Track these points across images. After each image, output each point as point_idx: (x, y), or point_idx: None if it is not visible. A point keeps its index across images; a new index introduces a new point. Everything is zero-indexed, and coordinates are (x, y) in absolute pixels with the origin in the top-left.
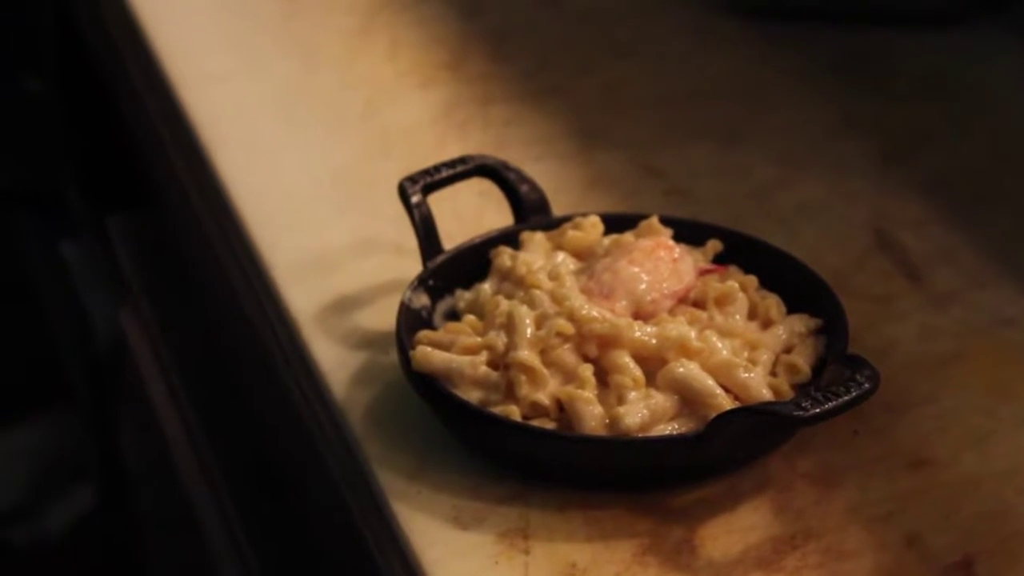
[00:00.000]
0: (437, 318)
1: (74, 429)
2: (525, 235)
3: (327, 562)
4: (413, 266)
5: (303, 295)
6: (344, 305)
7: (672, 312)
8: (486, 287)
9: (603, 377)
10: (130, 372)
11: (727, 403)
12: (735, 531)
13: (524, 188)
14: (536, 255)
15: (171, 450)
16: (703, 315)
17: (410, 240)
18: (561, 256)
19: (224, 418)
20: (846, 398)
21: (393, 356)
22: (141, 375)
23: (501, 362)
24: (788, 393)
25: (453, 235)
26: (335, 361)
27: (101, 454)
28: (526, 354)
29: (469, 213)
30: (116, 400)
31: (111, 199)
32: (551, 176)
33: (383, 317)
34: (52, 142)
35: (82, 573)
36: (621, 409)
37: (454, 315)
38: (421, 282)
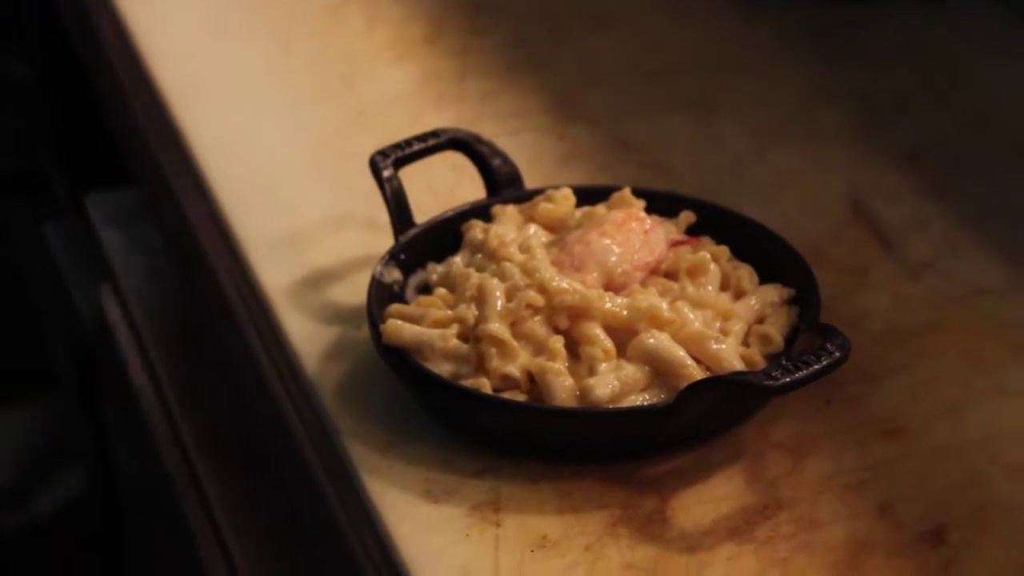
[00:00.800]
0: (409, 292)
1: (63, 412)
2: (497, 208)
3: (302, 536)
4: (386, 241)
5: (276, 271)
6: (317, 280)
7: (644, 283)
8: (457, 260)
9: (574, 349)
10: (111, 352)
11: (698, 373)
12: (707, 501)
13: (496, 161)
14: (508, 228)
15: (150, 428)
16: (675, 286)
17: (384, 215)
18: (533, 228)
19: (201, 395)
20: (817, 367)
21: (365, 331)
22: (121, 355)
23: (472, 335)
24: (760, 363)
25: (427, 209)
26: (307, 336)
27: (90, 436)
28: (496, 326)
29: (443, 187)
30: (102, 381)
31: (91, 179)
32: (526, 149)
33: (356, 292)
34: (36, 125)
35: (72, 556)
36: (591, 380)
37: (427, 289)
38: (392, 256)
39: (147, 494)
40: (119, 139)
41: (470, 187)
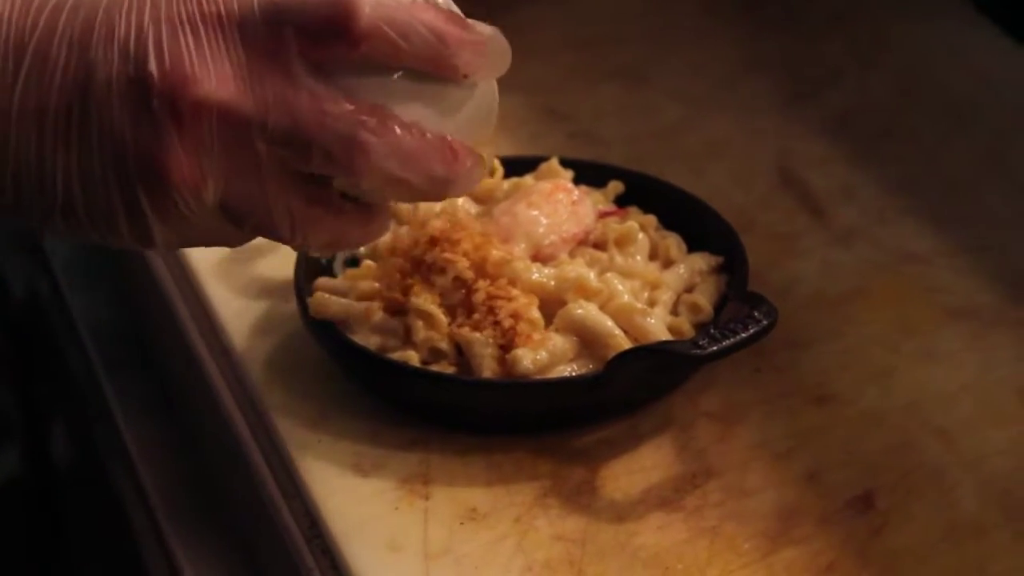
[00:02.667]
0: (338, 266)
1: None
2: None
3: (231, 510)
4: None
5: None
6: (245, 254)
7: (572, 254)
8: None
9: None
10: (42, 327)
11: (625, 343)
12: (636, 471)
13: None
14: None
15: (84, 406)
16: (603, 256)
17: None
18: (461, 200)
19: (132, 371)
20: (743, 335)
21: (294, 305)
22: (52, 328)
23: (399, 307)
24: (689, 332)
25: None
26: (235, 311)
27: (22, 414)
28: (423, 299)
29: None
30: (34, 356)
31: None
32: None
33: (284, 266)
34: None
35: (7, 537)
36: (519, 352)
37: (355, 262)
38: None
39: (81, 472)
40: None
41: None
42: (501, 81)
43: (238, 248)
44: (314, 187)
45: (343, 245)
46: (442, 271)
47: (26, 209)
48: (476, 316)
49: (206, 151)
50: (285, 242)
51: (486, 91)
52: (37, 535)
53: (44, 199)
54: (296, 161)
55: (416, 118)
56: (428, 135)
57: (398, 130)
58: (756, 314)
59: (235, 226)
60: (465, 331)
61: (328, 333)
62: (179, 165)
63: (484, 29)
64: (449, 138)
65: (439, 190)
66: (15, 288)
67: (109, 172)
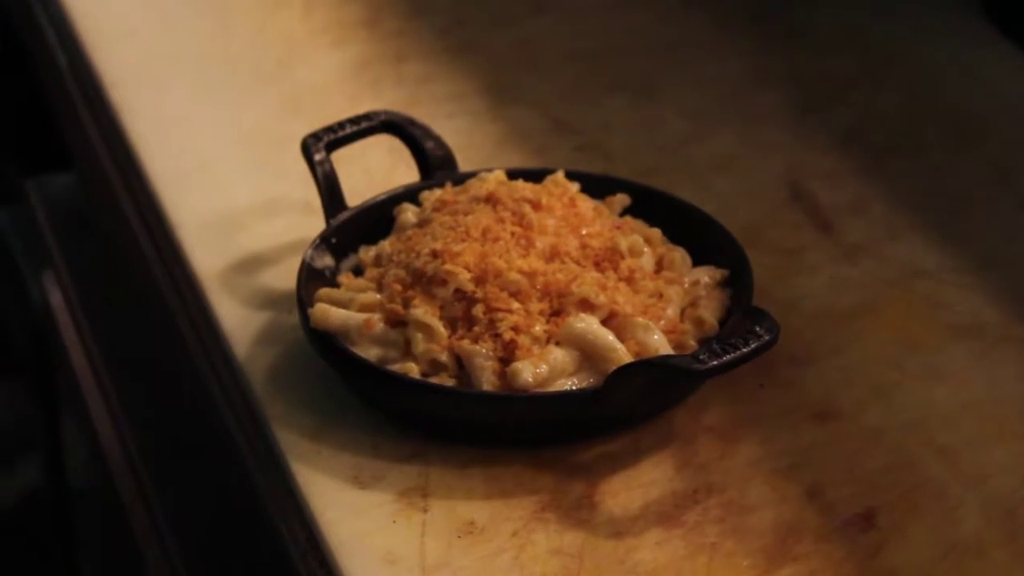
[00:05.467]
0: (341, 277)
1: (21, 401)
2: (425, 195)
3: (230, 521)
4: (320, 225)
5: (208, 255)
6: (249, 265)
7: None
8: (386, 244)
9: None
10: (56, 337)
11: (627, 357)
12: (636, 486)
13: (429, 144)
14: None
15: (90, 416)
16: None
17: (318, 200)
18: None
19: (137, 381)
20: (745, 350)
21: (296, 316)
22: (63, 342)
23: (399, 319)
24: (691, 346)
25: (363, 193)
26: (238, 321)
27: (44, 424)
28: (423, 311)
29: (379, 171)
30: (54, 368)
31: (30, 163)
32: (463, 132)
33: (288, 276)
34: None
35: (30, 547)
36: (519, 364)
37: (359, 273)
38: (323, 240)
39: (91, 483)
40: (58, 123)
41: (406, 171)
42: (508, 93)
43: (243, 256)
44: None
45: None
46: (443, 283)
47: None
48: (476, 329)
49: None
50: None
51: None
52: (53, 544)
53: None
54: None
55: None
56: None
57: None
58: (758, 329)
59: None
60: (465, 343)
61: (328, 344)
62: None
63: None
64: None
65: None
66: (34, 296)
67: None
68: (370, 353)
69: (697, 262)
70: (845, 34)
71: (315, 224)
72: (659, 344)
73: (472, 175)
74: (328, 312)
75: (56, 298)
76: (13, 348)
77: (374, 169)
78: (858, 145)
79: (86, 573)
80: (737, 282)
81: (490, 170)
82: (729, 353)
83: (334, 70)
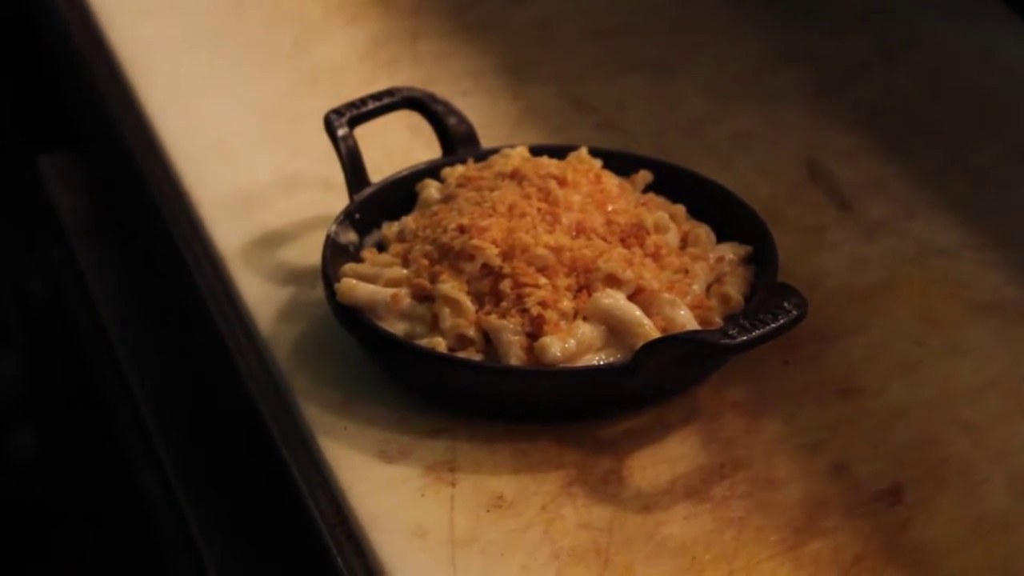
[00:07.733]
0: (366, 253)
1: (11, 373)
2: (447, 171)
3: (256, 499)
4: (341, 201)
5: (229, 231)
6: (271, 241)
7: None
8: (410, 220)
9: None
10: (63, 315)
11: (654, 333)
12: (663, 461)
13: (452, 120)
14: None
15: (102, 392)
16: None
17: (338, 176)
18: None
19: (154, 358)
20: (773, 326)
21: (320, 291)
22: (73, 317)
23: (426, 294)
24: (717, 323)
25: (383, 169)
26: (261, 296)
27: (40, 400)
28: (450, 286)
29: (398, 148)
30: (51, 343)
31: (43, 139)
32: (481, 110)
33: (310, 252)
34: None
35: (27, 519)
36: (547, 340)
37: (382, 249)
38: (347, 216)
39: (99, 458)
40: (73, 100)
41: (426, 148)
42: (526, 71)
43: (264, 233)
44: None
45: None
46: (470, 258)
47: None
48: (504, 304)
49: None
50: None
51: None
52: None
53: None
54: None
55: None
56: None
57: None
58: (786, 304)
59: None
60: (492, 318)
61: (355, 319)
62: None
63: None
64: None
65: None
66: (37, 276)
67: None
68: (397, 328)
69: (720, 239)
70: (864, 14)
71: (334, 200)
72: (686, 320)
73: (494, 151)
74: (355, 287)
75: (65, 276)
76: (26, 324)
77: (393, 146)
78: (876, 124)
79: (95, 557)
80: (761, 258)
81: (513, 146)
82: (758, 328)
83: (350, 48)
